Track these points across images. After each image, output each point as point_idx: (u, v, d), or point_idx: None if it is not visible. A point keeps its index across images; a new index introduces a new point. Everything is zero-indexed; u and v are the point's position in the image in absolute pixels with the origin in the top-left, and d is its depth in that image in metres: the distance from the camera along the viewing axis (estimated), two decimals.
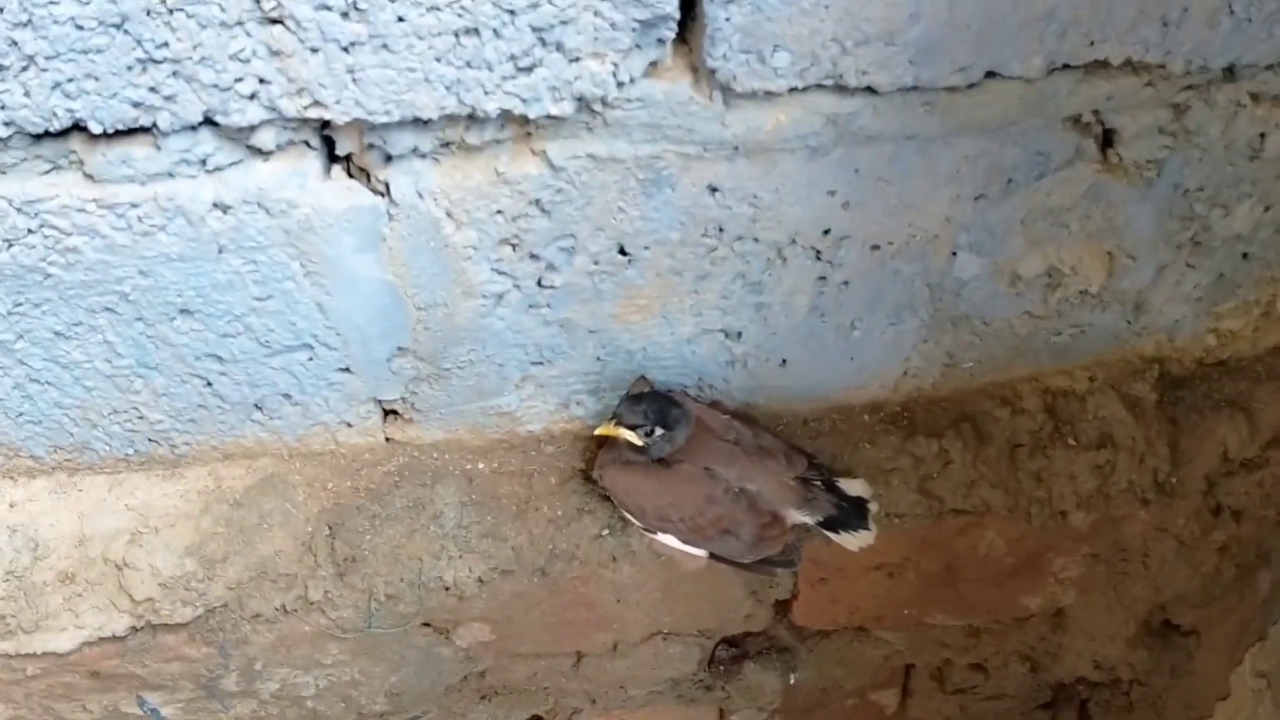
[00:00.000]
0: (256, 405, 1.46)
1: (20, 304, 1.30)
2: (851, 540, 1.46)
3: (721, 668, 1.79)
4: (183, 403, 1.44)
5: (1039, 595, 1.72)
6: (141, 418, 1.45)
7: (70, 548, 1.48)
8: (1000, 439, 1.57)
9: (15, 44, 1.05)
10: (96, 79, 1.09)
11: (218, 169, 1.21)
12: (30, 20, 1.04)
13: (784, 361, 1.52)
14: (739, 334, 1.48)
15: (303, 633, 1.53)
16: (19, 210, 1.20)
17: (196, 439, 1.49)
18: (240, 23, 1.07)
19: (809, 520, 1.45)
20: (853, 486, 1.48)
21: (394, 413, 1.52)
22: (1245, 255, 1.50)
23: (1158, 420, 1.58)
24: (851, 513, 1.46)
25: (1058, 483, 1.57)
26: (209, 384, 1.42)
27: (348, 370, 1.43)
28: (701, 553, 1.48)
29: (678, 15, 1.13)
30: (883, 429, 1.59)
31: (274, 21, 1.07)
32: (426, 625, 1.58)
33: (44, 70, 1.08)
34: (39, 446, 1.47)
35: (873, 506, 1.47)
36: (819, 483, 1.46)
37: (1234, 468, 1.60)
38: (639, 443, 1.40)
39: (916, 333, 1.52)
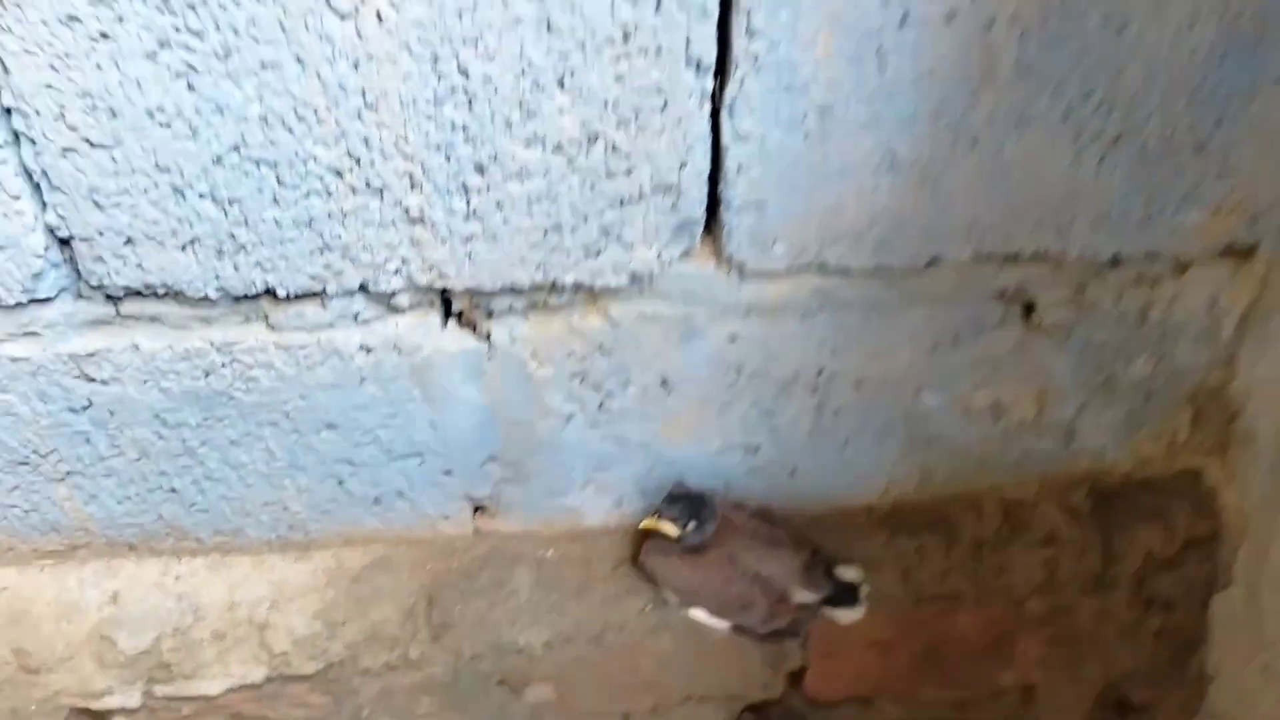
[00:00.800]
0: (375, 500, 1.56)
1: (207, 418, 1.43)
2: (844, 616, 1.56)
3: None
4: (319, 497, 1.55)
5: (1011, 672, 1.75)
6: (286, 509, 1.56)
7: (222, 611, 1.59)
8: (967, 538, 1.67)
9: (233, 236, 1.26)
10: (287, 260, 1.28)
11: (365, 321, 1.37)
12: (246, 220, 1.25)
13: (793, 471, 1.62)
14: (756, 449, 1.59)
15: (402, 686, 1.61)
16: (217, 350, 1.37)
17: (326, 527, 1.59)
18: (393, 222, 1.26)
19: (811, 599, 1.53)
20: (847, 573, 1.57)
21: (482, 508, 1.62)
22: (1148, 397, 1.61)
23: (1092, 525, 1.67)
24: (846, 593, 1.55)
25: (1015, 574, 1.65)
26: (341, 483, 1.53)
27: (449, 473, 1.54)
28: (725, 624, 1.56)
29: (704, 219, 1.31)
30: (873, 527, 1.67)
31: (417, 221, 1.26)
32: (502, 683, 1.63)
33: (249, 254, 1.27)
34: (203, 531, 1.57)
35: (864, 589, 1.56)
36: (820, 568, 1.55)
37: (1159, 565, 1.68)
38: (675, 534, 1.49)
39: (897, 451, 1.62)
